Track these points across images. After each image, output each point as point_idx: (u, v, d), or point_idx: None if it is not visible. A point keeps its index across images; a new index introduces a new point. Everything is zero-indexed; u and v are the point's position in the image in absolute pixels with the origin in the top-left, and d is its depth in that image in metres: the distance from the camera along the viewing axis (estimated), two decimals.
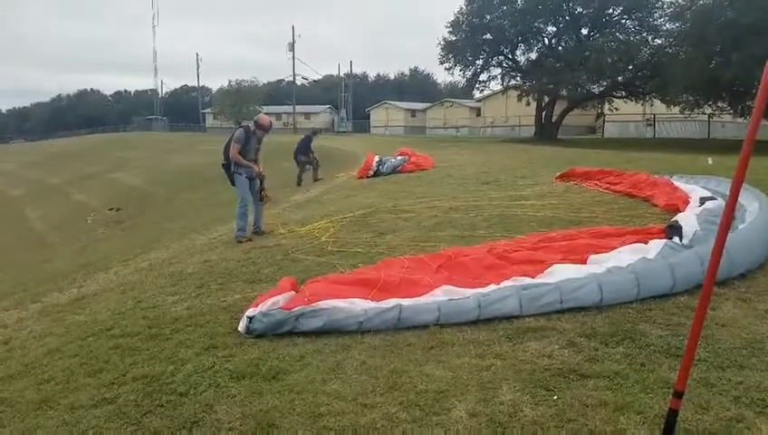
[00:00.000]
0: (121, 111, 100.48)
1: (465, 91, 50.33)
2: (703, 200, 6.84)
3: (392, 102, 68.76)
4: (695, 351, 2.46)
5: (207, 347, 3.96)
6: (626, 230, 6.01)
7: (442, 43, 35.49)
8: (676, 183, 8.90)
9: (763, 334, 3.59)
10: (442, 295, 4.29)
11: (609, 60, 29.47)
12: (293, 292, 4.49)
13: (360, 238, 7.31)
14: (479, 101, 54.99)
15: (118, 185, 31.16)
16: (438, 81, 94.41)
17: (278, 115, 66.23)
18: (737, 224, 5.54)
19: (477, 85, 38.32)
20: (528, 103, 36.80)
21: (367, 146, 27.48)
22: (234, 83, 63.32)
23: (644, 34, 31.91)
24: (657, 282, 4.26)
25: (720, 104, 25.71)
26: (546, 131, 34.77)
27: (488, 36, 34.62)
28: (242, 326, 4.15)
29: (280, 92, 75.35)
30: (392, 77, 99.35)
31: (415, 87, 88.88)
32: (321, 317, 4.01)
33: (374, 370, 3.39)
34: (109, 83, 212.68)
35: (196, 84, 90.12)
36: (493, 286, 4.37)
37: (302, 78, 76.21)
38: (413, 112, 66.59)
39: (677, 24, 26.85)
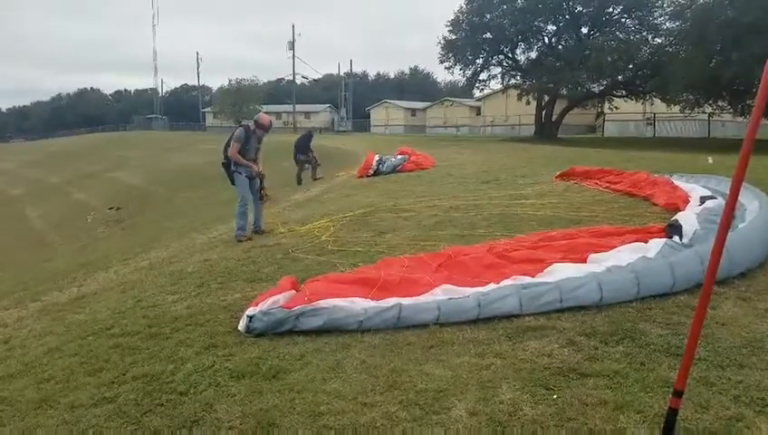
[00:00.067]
0: (121, 110, 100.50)
1: (465, 91, 50.27)
2: (703, 199, 6.84)
3: (392, 101, 68.76)
4: (694, 350, 2.46)
5: (207, 346, 3.96)
6: (626, 229, 6.00)
7: (442, 42, 35.50)
8: (677, 182, 8.89)
9: (762, 333, 3.60)
10: (442, 294, 4.29)
11: (609, 59, 29.48)
12: (294, 291, 4.49)
13: (360, 237, 7.31)
14: (479, 100, 55.00)
15: (118, 184, 31.17)
16: (438, 80, 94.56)
17: (278, 114, 66.24)
18: (737, 223, 5.53)
19: (477, 84, 38.32)
20: (528, 102, 36.79)
21: (367, 145, 27.48)
22: (234, 82, 63.41)
23: (644, 33, 31.93)
24: (656, 281, 4.25)
25: (720, 103, 25.71)
26: (546, 130, 34.77)
27: (488, 35, 34.61)
28: (242, 325, 4.15)
29: (280, 91, 75.37)
30: (392, 76, 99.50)
31: (415, 86, 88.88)
32: (321, 316, 4.01)
33: (374, 369, 3.39)
34: (109, 83, 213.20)
35: (196, 83, 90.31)
36: (492, 285, 4.37)
37: (302, 77, 76.32)
38: (413, 111, 66.59)
39: (678, 23, 26.85)
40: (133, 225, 19.72)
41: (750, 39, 19.65)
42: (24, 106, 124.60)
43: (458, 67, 36.06)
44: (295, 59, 64.29)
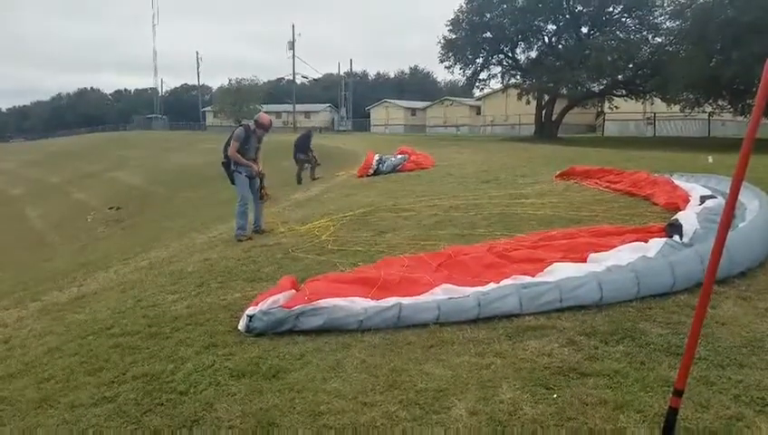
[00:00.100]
0: (121, 109, 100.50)
1: (465, 90, 50.23)
2: (703, 199, 6.84)
3: (392, 101, 68.76)
4: (695, 349, 2.46)
5: (207, 346, 3.96)
6: (626, 229, 6.00)
7: (442, 41, 35.51)
8: (677, 182, 8.89)
9: (763, 333, 3.59)
10: (442, 294, 4.29)
11: (610, 58, 29.48)
12: (294, 290, 4.49)
13: (360, 237, 7.31)
14: (479, 99, 54.99)
15: (118, 184, 31.16)
16: (438, 79, 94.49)
17: (278, 114, 66.25)
18: (737, 222, 5.53)
19: (477, 84, 38.34)
20: (528, 102, 36.79)
21: (367, 145, 27.49)
22: (234, 82, 63.40)
23: (644, 33, 31.92)
24: (657, 280, 4.25)
25: (720, 102, 25.70)
26: (546, 130, 34.78)
27: (488, 35, 34.62)
28: (242, 325, 4.15)
29: (280, 91, 75.38)
30: (392, 75, 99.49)
31: (415, 85, 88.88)
32: (321, 316, 4.01)
33: (374, 368, 3.39)
34: (109, 82, 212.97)
35: (196, 83, 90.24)
36: (492, 285, 4.37)
37: (302, 76, 76.31)
38: (413, 111, 66.59)
39: (678, 23, 26.84)
40: (133, 224, 19.72)
41: (750, 38, 19.65)
42: (24, 106, 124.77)
43: (458, 66, 36.12)
44: (295, 58, 64.35)
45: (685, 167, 11.63)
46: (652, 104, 35.36)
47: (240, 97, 60.30)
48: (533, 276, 4.53)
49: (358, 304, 4.12)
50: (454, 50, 35.17)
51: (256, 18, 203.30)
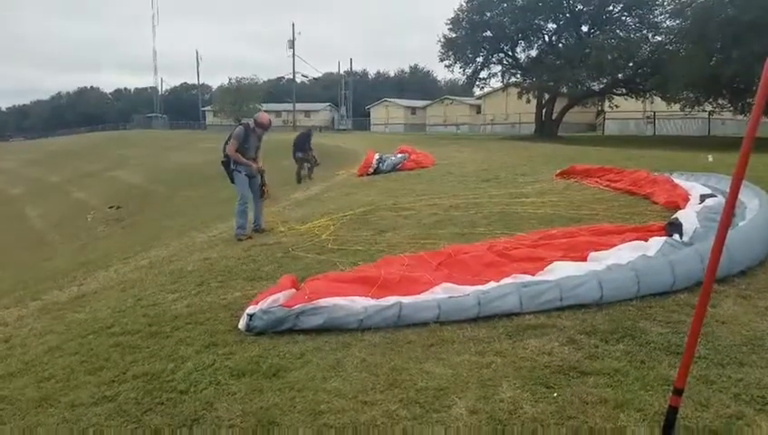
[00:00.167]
0: (121, 109, 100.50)
1: (466, 89, 50.31)
2: (703, 198, 6.84)
3: (392, 100, 68.73)
4: (695, 348, 2.46)
5: (208, 345, 3.96)
6: (626, 228, 6.01)
7: (442, 40, 35.49)
8: (677, 180, 8.90)
9: (763, 331, 3.60)
10: (442, 293, 4.29)
11: (610, 57, 29.48)
12: (294, 289, 4.49)
13: (360, 236, 7.31)
14: (479, 98, 54.97)
15: (118, 183, 31.15)
16: (438, 78, 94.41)
17: (278, 113, 66.24)
18: (737, 221, 5.53)
19: (477, 82, 38.45)
20: (528, 101, 36.80)
21: (367, 144, 27.48)
22: (234, 81, 63.36)
23: (644, 31, 31.92)
24: (657, 279, 4.26)
25: (720, 101, 25.69)
26: (546, 129, 34.76)
27: (488, 33, 34.60)
28: (242, 324, 4.15)
29: (280, 90, 75.35)
30: (392, 74, 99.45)
31: (415, 84, 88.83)
32: (321, 315, 4.01)
33: (374, 367, 3.39)
34: (109, 82, 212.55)
35: (196, 82, 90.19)
36: (493, 284, 4.37)
37: (302, 75, 76.14)
38: (413, 110, 66.55)
39: (678, 21, 26.82)
40: (133, 224, 19.72)
41: (750, 37, 19.64)
42: (24, 105, 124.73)
43: (458, 65, 36.15)
44: (295, 58, 64.33)
45: (685, 166, 11.63)
46: (652, 103, 35.36)
47: (240, 96, 60.27)
48: (534, 275, 4.53)
49: (358, 304, 4.12)
50: (454, 49, 35.16)
51: (256, 18, 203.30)
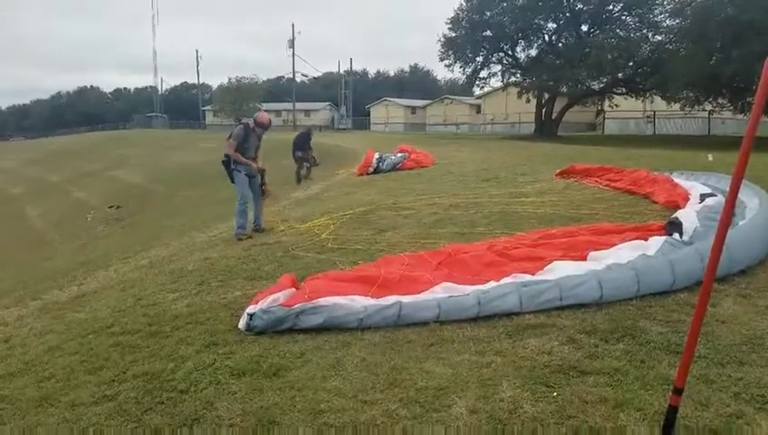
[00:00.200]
0: (121, 108, 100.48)
1: (465, 88, 50.26)
2: (703, 197, 6.85)
3: (392, 99, 68.70)
4: (695, 347, 2.46)
5: (208, 344, 3.96)
6: (626, 227, 6.01)
7: (442, 39, 35.48)
8: (677, 180, 8.90)
9: (763, 331, 3.60)
10: (442, 292, 4.29)
11: (610, 56, 29.47)
12: (294, 289, 4.49)
13: (360, 235, 7.31)
14: (479, 97, 54.94)
15: (118, 182, 31.14)
16: (438, 77, 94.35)
17: (278, 112, 66.22)
18: (737, 220, 5.53)
19: (477, 82, 38.42)
20: (528, 100, 36.80)
21: (367, 143, 27.48)
22: (234, 80, 63.35)
23: (644, 31, 31.91)
24: (657, 279, 4.26)
25: (720, 101, 25.69)
26: (546, 128, 34.75)
27: (488, 33, 34.58)
28: (242, 323, 4.15)
29: (280, 89, 75.33)
30: (392, 74, 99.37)
31: (415, 84, 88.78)
32: (321, 314, 4.01)
33: (374, 367, 3.39)
34: (108, 81, 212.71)
35: (196, 81, 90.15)
36: (492, 283, 4.37)
37: (302, 75, 76.10)
38: (413, 109, 66.53)
39: (678, 21, 26.82)
40: (133, 223, 19.72)
41: (750, 36, 19.65)
42: (24, 104, 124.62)
43: (458, 65, 36.13)
44: (295, 57, 64.25)
45: (685, 165, 11.63)
46: (652, 102, 35.36)
47: (240, 95, 60.26)
48: (533, 275, 4.53)
49: (358, 303, 4.12)
50: (454, 48, 35.15)
51: (256, 18, 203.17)
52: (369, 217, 8.62)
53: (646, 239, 5.21)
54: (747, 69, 19.21)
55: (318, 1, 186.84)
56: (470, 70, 36.29)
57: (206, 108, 76.53)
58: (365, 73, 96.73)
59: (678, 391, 2.42)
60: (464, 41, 34.70)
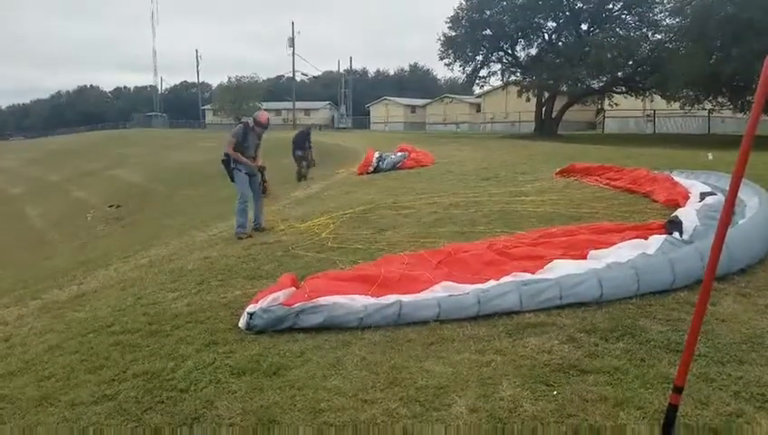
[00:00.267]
0: (121, 107, 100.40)
1: (465, 87, 50.24)
2: (703, 196, 6.85)
3: (392, 98, 68.65)
4: (694, 346, 2.46)
5: (208, 343, 3.96)
6: (626, 226, 6.01)
7: (442, 38, 35.47)
8: (677, 178, 8.90)
9: (762, 329, 3.60)
10: (442, 291, 4.29)
11: (609, 55, 29.47)
12: (294, 288, 4.49)
13: (360, 235, 7.31)
14: (479, 96, 54.90)
15: (117, 182, 31.14)
16: (438, 76, 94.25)
17: (278, 111, 66.19)
18: (737, 219, 5.54)
19: (477, 81, 38.38)
20: (528, 99, 36.77)
21: (367, 142, 27.48)
22: (233, 80, 63.33)
23: (644, 30, 31.93)
24: (657, 277, 4.26)
25: (720, 99, 25.70)
26: (546, 127, 34.75)
27: (488, 32, 34.57)
28: (242, 322, 4.16)
29: (280, 89, 75.26)
30: (392, 73, 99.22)
31: (415, 83, 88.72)
32: (321, 313, 4.01)
33: (374, 366, 3.39)
34: (108, 81, 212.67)
35: (195, 81, 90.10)
36: (492, 282, 4.37)
37: (302, 74, 75.97)
38: (413, 108, 66.49)
39: (677, 20, 26.81)
40: (133, 222, 19.71)
41: (749, 35, 19.65)
42: (24, 104, 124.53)
43: (458, 64, 36.14)
44: (295, 56, 64.28)
45: (685, 164, 11.63)
46: (652, 101, 35.35)
47: (240, 95, 60.21)
48: (533, 273, 4.53)
49: (358, 302, 4.12)
50: (454, 47, 35.13)
51: (256, 18, 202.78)
52: (368, 217, 8.62)
53: (646, 238, 5.21)
54: (747, 67, 19.20)
55: (318, 0, 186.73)
56: (470, 69, 36.30)
57: (205, 107, 76.45)
58: (365, 72, 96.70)
59: (678, 390, 2.42)
60: (464, 40, 34.69)
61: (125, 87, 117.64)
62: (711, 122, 33.28)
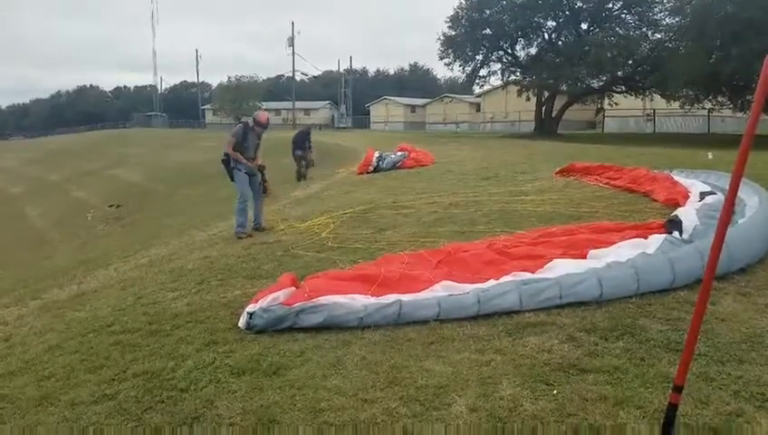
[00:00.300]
0: (121, 107, 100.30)
1: (465, 87, 50.23)
2: (703, 195, 6.85)
3: (392, 98, 68.62)
4: (694, 345, 2.46)
5: (208, 343, 3.96)
6: (626, 225, 6.01)
7: (442, 38, 35.47)
8: (676, 178, 8.90)
9: (762, 329, 3.60)
10: (442, 291, 4.29)
11: (609, 55, 29.48)
12: (294, 288, 4.49)
13: (360, 234, 7.31)
14: (479, 96, 54.89)
15: (117, 181, 31.15)
16: (438, 76, 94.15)
17: (278, 111, 66.16)
18: (737, 218, 5.54)
19: (477, 80, 38.41)
20: (528, 99, 36.76)
21: (367, 142, 27.48)
22: (233, 79, 63.34)
23: (644, 29, 31.95)
24: (656, 277, 4.26)
25: (720, 99, 25.72)
26: (546, 127, 34.75)
27: (488, 31, 34.58)
28: (242, 322, 4.16)
29: (279, 88, 75.24)
30: (392, 73, 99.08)
31: (415, 82, 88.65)
32: (321, 313, 4.01)
33: (374, 365, 3.39)
34: (108, 80, 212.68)
35: (195, 80, 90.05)
36: (492, 282, 4.37)
37: (302, 74, 75.95)
38: (413, 108, 66.47)
39: (677, 19, 26.83)
40: (133, 222, 19.72)
41: (749, 34, 19.65)
42: (24, 104, 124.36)
43: (458, 63, 36.16)
44: (295, 56, 64.30)
45: (684, 163, 11.63)
46: (652, 100, 35.34)
47: (240, 94, 60.22)
48: (533, 273, 4.53)
49: (358, 302, 4.12)
50: (453, 46, 35.14)
51: (256, 18, 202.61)
52: (368, 216, 8.62)
53: (646, 237, 5.21)
54: (747, 67, 19.20)
55: (318, 1, 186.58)
56: (470, 68, 36.33)
57: (205, 107, 76.41)
58: (365, 72, 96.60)
59: (678, 389, 2.42)
60: (463, 39, 34.69)
61: (125, 87, 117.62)
62: (711, 122, 33.28)
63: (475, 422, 2.73)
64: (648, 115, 38.11)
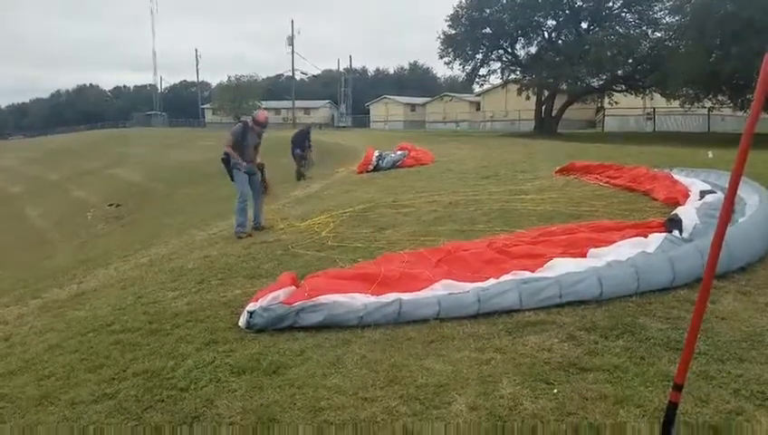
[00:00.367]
0: (120, 106, 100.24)
1: (465, 86, 50.30)
2: (703, 194, 6.84)
3: (392, 97, 68.59)
4: (694, 344, 2.46)
5: (208, 342, 3.96)
6: (626, 224, 6.01)
7: (441, 36, 35.46)
8: (676, 177, 8.90)
9: (762, 327, 3.60)
10: (442, 290, 4.29)
11: (609, 53, 29.47)
12: (294, 287, 4.49)
13: (359, 233, 7.31)
14: (479, 95, 54.89)
15: (117, 181, 31.13)
16: (438, 75, 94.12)
17: (277, 110, 66.14)
18: (737, 217, 5.54)
19: (477, 79, 38.41)
20: (528, 97, 36.75)
21: (366, 141, 27.45)
22: (233, 79, 63.33)
23: (644, 28, 31.93)
24: (656, 276, 4.26)
25: (720, 98, 25.72)
26: (546, 125, 34.74)
27: (488, 30, 34.57)
28: (242, 321, 4.16)
29: (279, 87, 75.16)
30: (392, 72, 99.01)
31: (414, 81, 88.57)
32: (321, 312, 4.01)
33: (374, 364, 3.40)
34: (108, 80, 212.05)
35: (195, 80, 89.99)
36: (492, 281, 4.37)
37: (302, 73, 75.88)
38: (413, 107, 66.43)
39: (677, 18, 26.82)
40: (133, 221, 19.71)
41: (749, 33, 19.63)
42: (23, 103, 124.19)
43: (458, 62, 36.15)
44: (294, 55, 64.26)
45: (684, 162, 11.63)
46: (652, 99, 35.32)
47: (239, 93, 60.20)
48: (533, 272, 4.53)
49: (358, 300, 4.13)
50: (453, 45, 35.14)
51: (256, 17, 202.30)
52: (368, 215, 8.62)
53: (646, 236, 5.21)
54: (747, 66, 19.18)
55: (318, 1, 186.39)
56: (470, 67, 36.33)
57: (205, 106, 76.39)
58: (365, 71, 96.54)
59: (678, 388, 2.42)
60: (463, 38, 34.69)
61: (125, 86, 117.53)
62: (711, 120, 33.27)
63: (475, 421, 2.73)
64: (648, 114, 38.10)
